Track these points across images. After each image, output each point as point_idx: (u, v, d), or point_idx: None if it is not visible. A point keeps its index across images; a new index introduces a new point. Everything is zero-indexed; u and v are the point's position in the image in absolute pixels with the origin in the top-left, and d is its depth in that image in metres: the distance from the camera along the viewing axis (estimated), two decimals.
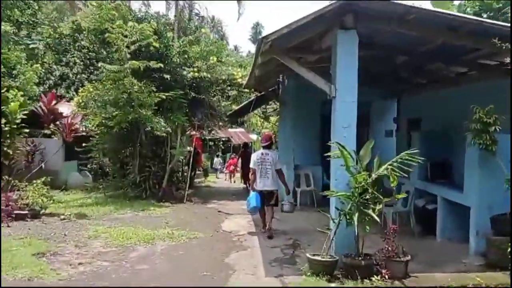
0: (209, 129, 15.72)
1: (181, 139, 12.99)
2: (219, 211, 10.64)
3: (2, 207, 8.14)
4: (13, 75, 19.74)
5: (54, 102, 10.31)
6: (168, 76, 11.37)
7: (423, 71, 9.04)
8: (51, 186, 14.64)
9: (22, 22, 24.09)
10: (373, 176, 5.31)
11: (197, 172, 17.45)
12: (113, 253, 6.46)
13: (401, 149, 10.85)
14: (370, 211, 5.16)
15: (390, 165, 5.38)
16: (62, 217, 8.87)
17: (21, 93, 13.47)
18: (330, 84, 5.89)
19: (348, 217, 5.31)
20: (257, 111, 26.23)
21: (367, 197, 5.25)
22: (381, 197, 5.32)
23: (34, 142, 14.81)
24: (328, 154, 5.76)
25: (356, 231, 5.35)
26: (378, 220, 5.21)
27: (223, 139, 30.58)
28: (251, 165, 7.84)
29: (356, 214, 5.15)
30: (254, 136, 29.02)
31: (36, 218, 8.67)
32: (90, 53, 20.66)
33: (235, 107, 14.28)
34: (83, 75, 21.14)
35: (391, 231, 5.49)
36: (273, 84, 12.53)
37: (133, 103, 10.87)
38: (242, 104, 14.00)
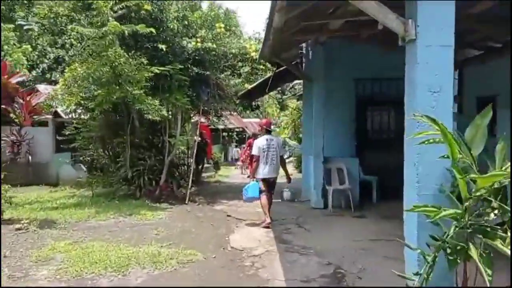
0: (218, 114, 13.32)
1: (184, 126, 10.70)
2: (228, 215, 8.32)
3: None
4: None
5: (7, 75, 7.84)
6: (163, 47, 8.95)
7: (503, 30, 6.51)
8: (39, 181, 12.83)
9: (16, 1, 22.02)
10: (506, 181, 2.84)
11: (206, 165, 15.10)
12: None
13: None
14: (498, 243, 2.75)
15: None
16: (17, 226, 6.63)
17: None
18: (405, 20, 3.48)
19: (450, 251, 2.92)
20: (272, 98, 23.75)
21: (491, 216, 2.84)
22: None
23: (20, 132, 12.93)
24: (414, 136, 3.35)
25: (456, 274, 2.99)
26: None
27: (238, 129, 28.36)
28: (255, 152, 7.35)
29: (472, 247, 2.75)
30: None
31: None
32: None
33: (247, 87, 11.78)
34: (80, 57, 18.85)
35: None
36: (295, 56, 10.11)
37: (119, 80, 8.60)
38: (257, 82, 11.53)
